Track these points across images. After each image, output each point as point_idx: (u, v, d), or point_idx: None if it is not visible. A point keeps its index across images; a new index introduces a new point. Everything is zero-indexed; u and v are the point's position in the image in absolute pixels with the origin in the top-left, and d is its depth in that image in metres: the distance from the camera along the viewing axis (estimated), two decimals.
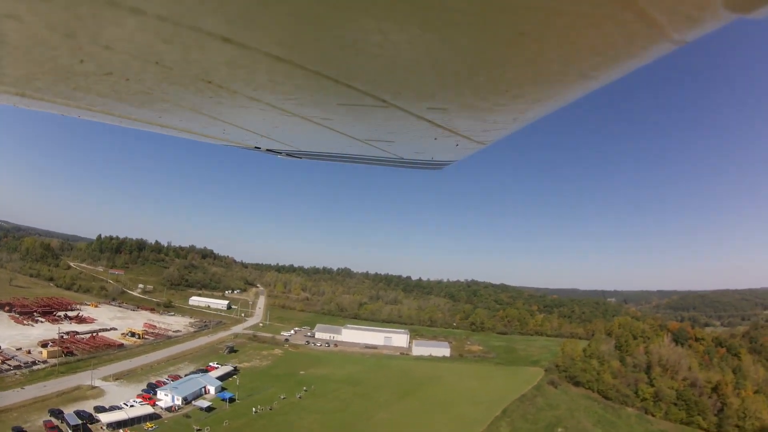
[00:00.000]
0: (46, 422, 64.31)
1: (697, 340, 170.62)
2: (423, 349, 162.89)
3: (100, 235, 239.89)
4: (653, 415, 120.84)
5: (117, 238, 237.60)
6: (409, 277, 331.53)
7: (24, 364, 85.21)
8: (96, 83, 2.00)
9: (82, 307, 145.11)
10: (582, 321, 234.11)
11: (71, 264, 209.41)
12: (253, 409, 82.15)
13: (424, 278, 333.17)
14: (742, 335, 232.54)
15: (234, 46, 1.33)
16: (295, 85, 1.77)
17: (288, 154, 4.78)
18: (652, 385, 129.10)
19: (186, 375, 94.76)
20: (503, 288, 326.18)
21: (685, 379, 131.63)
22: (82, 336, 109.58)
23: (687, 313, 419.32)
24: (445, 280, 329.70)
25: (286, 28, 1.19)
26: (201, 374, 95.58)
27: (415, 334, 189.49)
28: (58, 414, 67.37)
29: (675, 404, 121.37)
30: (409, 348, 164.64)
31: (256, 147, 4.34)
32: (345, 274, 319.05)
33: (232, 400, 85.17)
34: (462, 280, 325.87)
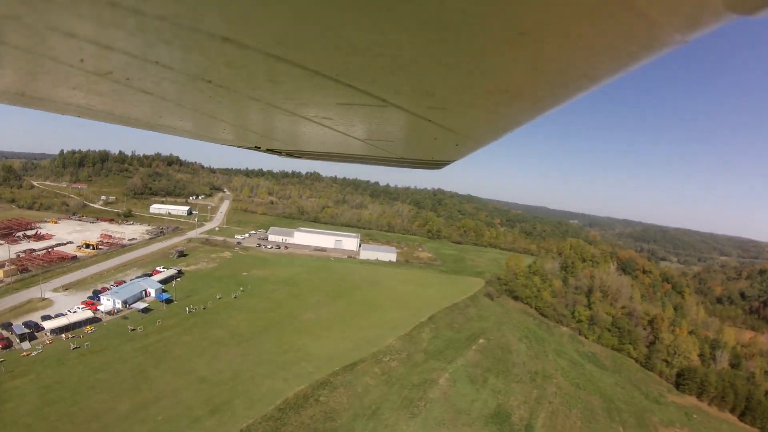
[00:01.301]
0: None
1: (644, 272, 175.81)
2: (370, 253, 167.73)
3: (62, 151, 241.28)
4: (586, 338, 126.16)
5: (80, 151, 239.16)
6: (377, 183, 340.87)
7: None
8: (96, 83, 2.02)
9: (42, 224, 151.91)
10: (542, 238, 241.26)
11: (34, 183, 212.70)
12: (186, 308, 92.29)
13: (392, 185, 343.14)
14: (693, 275, 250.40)
15: (234, 46, 1.33)
16: (295, 85, 1.77)
17: (288, 154, 4.96)
18: (590, 309, 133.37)
19: (131, 280, 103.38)
20: (469, 199, 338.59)
21: (623, 308, 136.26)
22: (39, 253, 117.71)
23: (647, 244, 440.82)
24: (412, 187, 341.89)
25: (286, 28, 1.18)
26: (144, 278, 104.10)
27: (368, 239, 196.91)
28: (7, 326, 75.95)
29: (609, 330, 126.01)
30: (358, 252, 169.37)
31: (256, 147, 4.51)
32: (314, 178, 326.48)
33: (169, 301, 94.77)
34: (429, 188, 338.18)
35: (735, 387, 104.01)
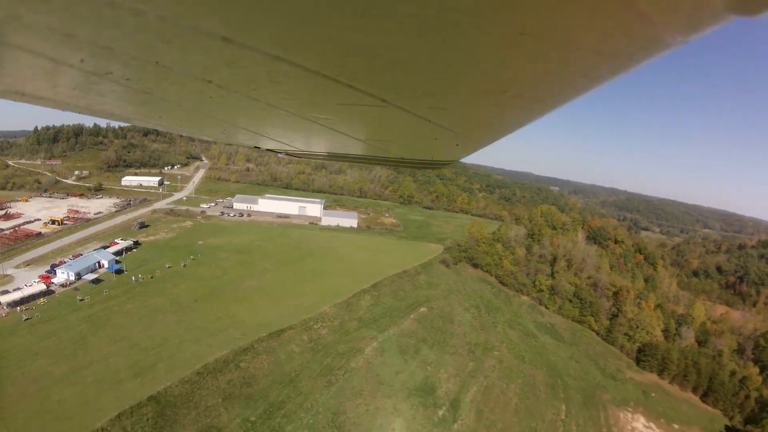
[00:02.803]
0: None
1: (616, 242, 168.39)
2: (331, 219, 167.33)
3: (36, 127, 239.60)
4: (547, 308, 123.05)
5: (54, 126, 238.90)
6: None
7: None
8: (96, 83, 2.03)
9: (13, 203, 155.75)
10: (521, 205, 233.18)
11: (9, 162, 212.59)
12: (133, 277, 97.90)
13: None
14: (672, 247, 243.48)
15: (234, 46, 1.33)
16: (295, 85, 1.77)
17: (288, 154, 5.01)
18: (553, 278, 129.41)
19: (88, 253, 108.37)
20: None
21: (589, 278, 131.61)
22: (6, 232, 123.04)
23: (630, 214, 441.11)
24: None
25: (286, 28, 1.19)
26: (99, 250, 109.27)
27: (336, 205, 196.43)
28: None
29: (570, 301, 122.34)
30: (321, 218, 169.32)
31: (256, 146, 4.56)
32: None
33: (119, 271, 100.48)
34: None
35: (698, 366, 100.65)
